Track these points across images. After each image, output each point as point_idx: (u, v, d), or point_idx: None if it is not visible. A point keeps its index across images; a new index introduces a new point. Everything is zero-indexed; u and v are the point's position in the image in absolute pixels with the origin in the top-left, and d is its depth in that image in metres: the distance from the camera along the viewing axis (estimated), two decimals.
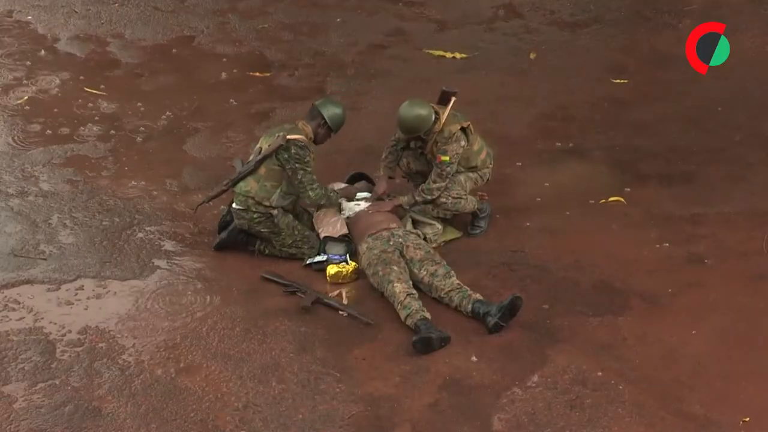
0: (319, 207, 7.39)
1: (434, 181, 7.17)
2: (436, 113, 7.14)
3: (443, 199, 7.25)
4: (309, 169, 6.87)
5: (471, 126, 7.20)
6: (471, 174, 7.34)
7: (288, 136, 6.84)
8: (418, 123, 7.10)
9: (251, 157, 7.04)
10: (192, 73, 9.92)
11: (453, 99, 7.24)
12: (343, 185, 7.55)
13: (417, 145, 7.33)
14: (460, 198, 7.27)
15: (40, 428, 5.57)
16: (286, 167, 6.88)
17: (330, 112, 7.03)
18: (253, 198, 6.93)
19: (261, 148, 6.97)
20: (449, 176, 7.17)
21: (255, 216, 6.95)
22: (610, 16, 11.17)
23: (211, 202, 7.27)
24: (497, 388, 5.93)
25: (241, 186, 6.98)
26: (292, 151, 6.83)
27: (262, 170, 6.93)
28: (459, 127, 7.11)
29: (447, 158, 7.10)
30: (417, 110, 7.09)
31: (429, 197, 7.21)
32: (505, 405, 5.80)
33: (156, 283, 6.81)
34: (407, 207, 7.31)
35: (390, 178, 7.56)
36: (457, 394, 5.89)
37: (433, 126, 7.11)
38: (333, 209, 7.37)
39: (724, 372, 6.04)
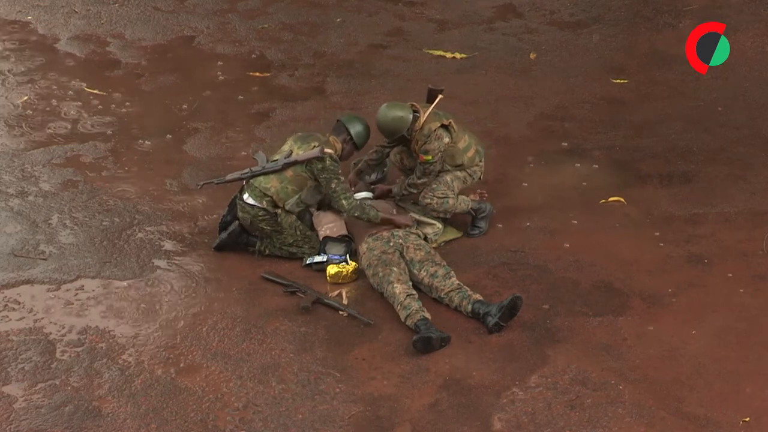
0: (319, 207, 7.42)
1: (419, 177, 7.23)
2: (416, 111, 7.15)
3: (428, 200, 7.26)
4: (342, 179, 6.96)
5: (453, 123, 7.20)
6: (458, 173, 7.32)
7: (327, 150, 6.92)
8: (395, 125, 7.12)
9: (277, 156, 7.06)
10: (192, 73, 9.92)
11: (439, 96, 7.26)
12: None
13: (402, 144, 7.37)
14: (446, 197, 7.26)
15: (40, 428, 5.58)
16: (319, 177, 6.93)
17: (357, 129, 7.15)
18: (270, 197, 6.95)
19: (291, 151, 6.99)
20: (433, 173, 7.20)
21: (260, 213, 6.96)
22: (610, 16, 11.16)
23: (218, 185, 7.26)
24: (497, 388, 5.93)
25: (261, 181, 6.99)
26: (327, 163, 6.89)
27: (289, 173, 6.96)
28: (439, 125, 7.11)
29: (429, 157, 7.13)
30: (393, 112, 7.12)
31: (414, 191, 7.28)
32: (505, 405, 5.81)
33: (156, 283, 6.81)
34: (396, 196, 7.37)
35: (360, 172, 7.64)
36: (457, 394, 5.89)
37: (413, 124, 7.13)
38: (334, 209, 7.40)
39: (724, 372, 6.04)
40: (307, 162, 6.93)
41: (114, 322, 6.42)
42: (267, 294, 6.75)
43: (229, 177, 7.20)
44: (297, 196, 7.00)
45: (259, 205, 6.96)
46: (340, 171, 6.97)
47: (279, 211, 6.99)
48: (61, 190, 7.82)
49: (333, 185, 6.94)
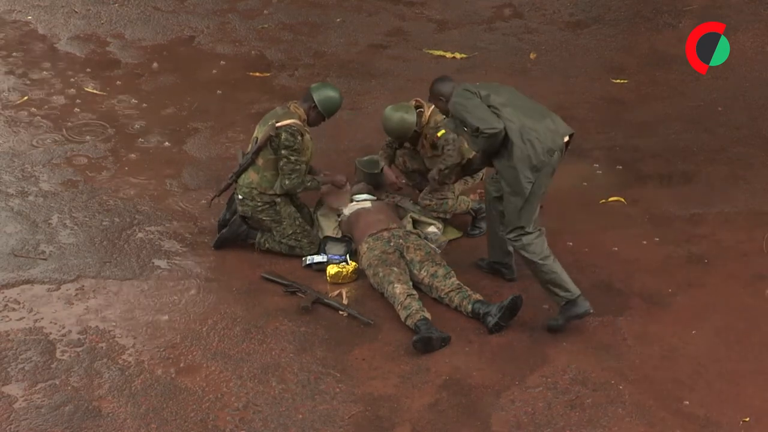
0: (316, 208, 7.44)
1: (445, 155, 7.09)
2: (420, 108, 7.16)
3: (427, 201, 7.26)
4: (293, 157, 6.86)
5: None
6: None
7: (278, 124, 6.87)
8: (402, 126, 7.14)
9: (249, 148, 7.08)
10: (192, 73, 9.92)
11: None
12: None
13: (409, 142, 7.36)
14: (445, 198, 7.26)
15: (40, 428, 5.58)
16: (278, 152, 6.90)
17: (322, 96, 7.02)
18: (255, 189, 6.96)
19: (257, 138, 7.01)
20: (455, 141, 7.08)
21: (259, 204, 6.98)
22: (610, 16, 11.17)
23: (220, 196, 7.28)
24: (497, 388, 5.94)
25: (243, 178, 7.03)
26: (282, 137, 6.86)
27: (260, 161, 6.97)
28: (444, 117, 7.12)
29: (442, 131, 7.08)
30: (400, 114, 7.14)
31: (448, 167, 7.09)
32: (505, 405, 5.81)
33: (156, 283, 6.81)
34: (436, 177, 7.18)
35: (392, 163, 7.55)
36: (457, 394, 5.90)
37: (419, 120, 7.13)
38: (332, 210, 7.42)
39: (724, 372, 6.04)
40: (270, 142, 6.91)
41: (114, 322, 6.42)
42: (267, 294, 6.75)
43: (221, 186, 7.23)
44: (279, 179, 6.98)
45: (255, 199, 6.97)
46: (297, 145, 6.84)
47: (279, 200, 6.99)
48: (61, 190, 7.82)
49: (282, 163, 6.89)
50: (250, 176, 7.00)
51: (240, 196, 7.04)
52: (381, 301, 6.65)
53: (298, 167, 6.90)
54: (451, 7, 11.47)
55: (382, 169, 7.46)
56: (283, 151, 6.86)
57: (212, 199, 7.34)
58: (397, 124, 7.13)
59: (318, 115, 7.07)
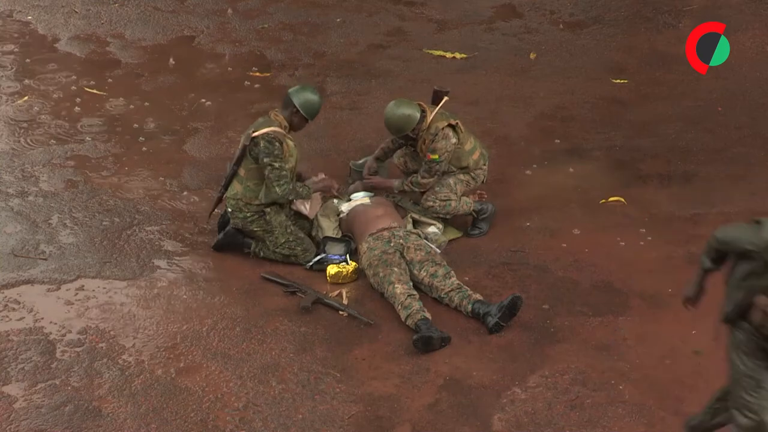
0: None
1: (423, 177, 7.20)
2: (423, 111, 7.15)
3: (430, 203, 7.26)
4: (277, 164, 6.82)
5: (460, 124, 7.20)
6: (462, 176, 7.32)
7: (255, 133, 6.83)
8: (403, 122, 7.11)
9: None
10: (192, 73, 9.92)
11: (445, 98, 7.26)
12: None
13: (409, 143, 7.36)
14: (449, 200, 7.26)
15: (40, 428, 5.58)
16: (259, 162, 6.88)
17: (301, 99, 6.99)
18: (241, 200, 6.95)
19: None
20: (438, 173, 7.18)
21: (248, 215, 6.96)
22: (610, 16, 11.16)
23: (215, 210, 7.30)
24: (497, 388, 5.94)
25: (229, 192, 7.02)
26: (261, 145, 6.83)
27: (242, 171, 6.95)
28: (446, 124, 7.11)
29: (436, 156, 7.11)
30: (402, 109, 7.11)
31: (416, 189, 7.27)
32: (505, 405, 5.81)
33: (156, 283, 6.81)
34: (396, 191, 7.36)
35: (377, 159, 7.59)
36: (457, 394, 5.90)
37: (420, 124, 7.12)
38: (332, 210, 7.41)
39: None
40: (249, 152, 6.88)
41: (114, 322, 6.43)
42: (267, 294, 6.75)
43: (214, 201, 7.23)
44: (264, 187, 6.96)
45: (243, 210, 6.95)
46: (277, 151, 6.80)
47: (268, 209, 6.98)
48: (61, 190, 7.82)
49: (267, 171, 6.85)
50: (235, 188, 6.98)
51: (229, 209, 7.03)
52: (381, 301, 6.65)
53: (284, 173, 6.87)
54: (451, 7, 11.46)
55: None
56: (265, 160, 6.82)
57: (209, 216, 7.32)
58: (398, 118, 7.12)
59: (301, 119, 7.04)
